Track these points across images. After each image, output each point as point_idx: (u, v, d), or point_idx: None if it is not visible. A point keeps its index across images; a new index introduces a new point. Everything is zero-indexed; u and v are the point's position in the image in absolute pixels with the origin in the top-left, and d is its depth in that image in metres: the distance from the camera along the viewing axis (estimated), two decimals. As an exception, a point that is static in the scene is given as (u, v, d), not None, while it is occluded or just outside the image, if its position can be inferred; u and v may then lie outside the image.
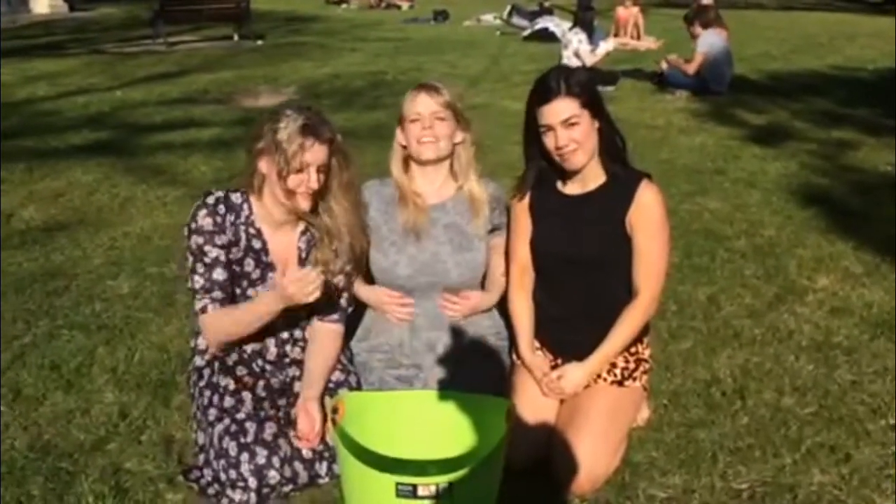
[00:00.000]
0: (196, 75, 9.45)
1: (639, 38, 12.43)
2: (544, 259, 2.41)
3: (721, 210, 4.64)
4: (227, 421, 2.20)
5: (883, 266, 3.81)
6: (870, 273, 3.75)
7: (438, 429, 2.14)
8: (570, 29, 9.02)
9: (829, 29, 14.30)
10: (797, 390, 2.77)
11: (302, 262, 2.36)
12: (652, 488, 2.26)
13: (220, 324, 2.27)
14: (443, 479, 1.81)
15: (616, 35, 12.16)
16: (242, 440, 2.16)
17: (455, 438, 2.13)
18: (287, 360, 2.45)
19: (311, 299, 2.08)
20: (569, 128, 2.22)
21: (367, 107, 7.73)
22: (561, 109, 2.22)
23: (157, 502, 2.19)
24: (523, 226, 2.43)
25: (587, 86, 2.26)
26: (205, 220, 2.26)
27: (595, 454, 2.20)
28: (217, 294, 2.26)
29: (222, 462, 2.14)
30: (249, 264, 2.32)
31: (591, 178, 2.34)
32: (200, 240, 2.25)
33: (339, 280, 2.38)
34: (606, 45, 8.93)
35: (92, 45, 12.24)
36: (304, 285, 2.05)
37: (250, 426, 2.19)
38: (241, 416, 2.22)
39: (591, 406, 2.29)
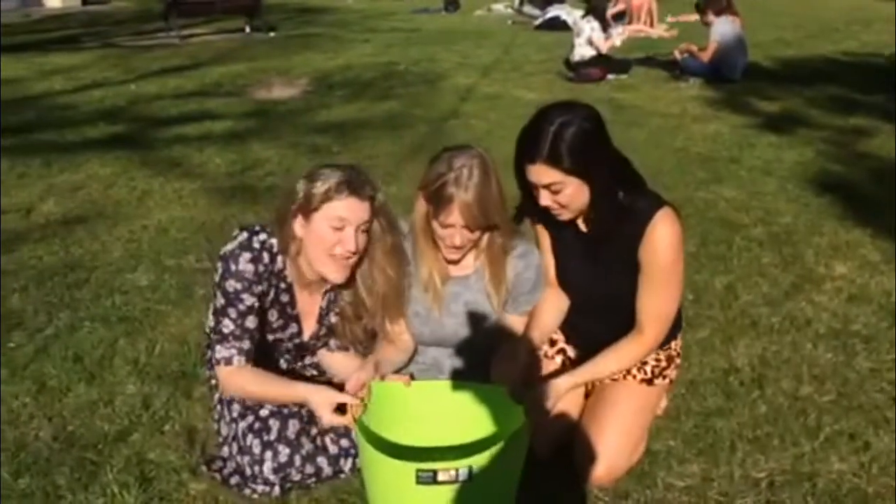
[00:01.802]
0: (209, 68, 9.48)
1: (652, 25, 12.35)
2: (570, 288, 2.32)
3: (737, 198, 4.62)
4: (250, 418, 2.21)
5: (901, 253, 3.79)
6: (888, 260, 3.73)
7: (457, 418, 2.15)
8: (583, 17, 8.97)
9: (844, 15, 14.15)
10: (815, 378, 2.77)
11: (321, 320, 2.31)
12: (670, 477, 2.27)
13: (242, 387, 2.18)
14: (462, 464, 1.81)
15: (630, 22, 12.09)
16: (265, 437, 2.17)
17: (474, 427, 2.14)
18: (299, 365, 2.45)
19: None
20: (553, 193, 2.03)
21: (380, 97, 7.73)
22: (542, 176, 2.00)
23: (181, 492, 2.22)
24: (546, 251, 2.34)
25: (578, 145, 1.96)
26: (247, 266, 2.10)
27: (618, 450, 2.20)
28: (246, 344, 2.15)
29: (246, 458, 2.16)
30: (273, 314, 2.24)
31: (599, 223, 2.14)
32: (238, 286, 2.10)
33: (358, 347, 2.37)
34: (621, 34, 8.90)
35: (106, 39, 12.28)
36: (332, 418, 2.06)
37: (273, 423, 2.20)
38: (264, 412, 2.22)
39: (618, 402, 2.27)
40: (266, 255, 2.14)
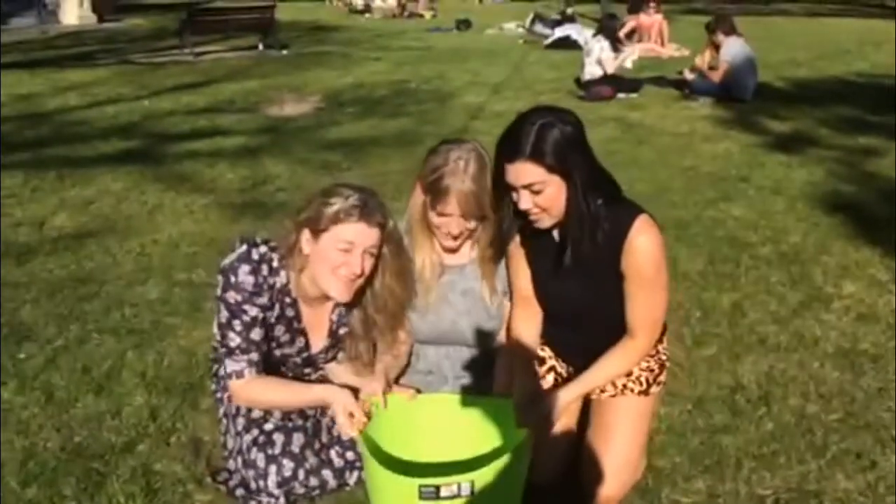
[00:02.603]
0: (222, 85, 9.58)
1: (663, 45, 12.40)
2: (541, 303, 2.30)
3: (746, 217, 4.62)
4: (255, 432, 2.22)
5: (910, 273, 3.78)
6: (897, 280, 3.72)
7: (462, 431, 2.15)
8: (593, 37, 9.02)
9: (855, 36, 14.16)
10: (822, 397, 2.76)
11: (332, 334, 2.32)
12: (675, 493, 2.27)
13: (256, 397, 2.18)
14: (465, 479, 1.82)
15: (640, 40, 12.15)
16: (270, 452, 2.17)
17: (477, 441, 2.15)
18: (304, 373, 2.44)
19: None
20: (533, 194, 1.96)
21: (391, 115, 7.79)
22: (524, 174, 1.94)
23: (187, 503, 2.23)
24: (520, 263, 2.27)
25: (561, 144, 1.93)
26: (246, 278, 2.09)
27: (626, 464, 2.18)
28: (254, 356, 2.14)
29: (251, 472, 2.17)
30: (280, 329, 2.24)
31: (575, 230, 2.05)
32: (239, 297, 2.09)
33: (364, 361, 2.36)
34: (632, 54, 8.95)
35: (120, 56, 12.43)
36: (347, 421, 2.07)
37: (278, 437, 2.20)
38: (269, 426, 2.22)
39: (619, 418, 2.24)
40: (265, 268, 2.13)
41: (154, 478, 2.33)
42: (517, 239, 2.21)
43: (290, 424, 2.24)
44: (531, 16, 15.71)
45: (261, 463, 2.16)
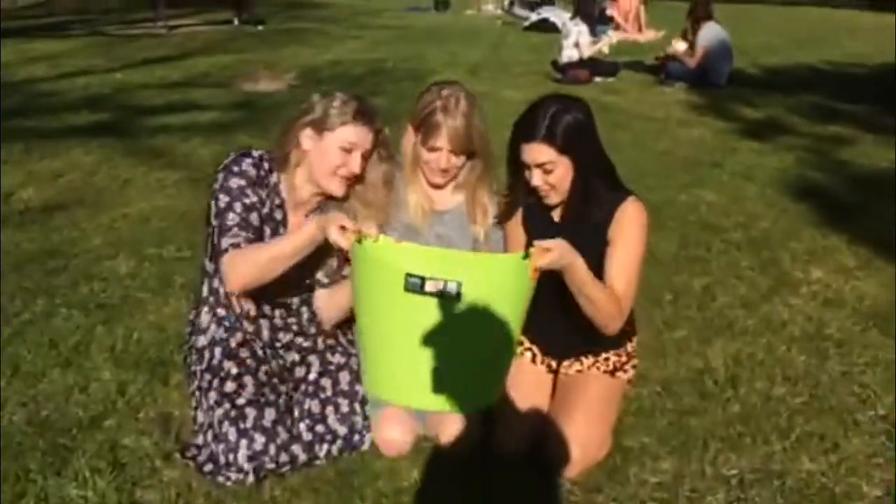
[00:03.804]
0: (196, 59, 9.45)
1: (640, 30, 12.41)
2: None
3: (718, 202, 4.67)
4: (227, 405, 2.21)
5: (876, 260, 3.84)
6: (862, 266, 3.78)
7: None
8: (571, 19, 9.01)
9: (830, 24, 14.30)
10: (788, 380, 2.80)
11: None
12: (643, 473, 2.29)
13: (249, 258, 2.13)
14: (452, 277, 1.78)
15: (617, 27, 12.15)
16: (241, 426, 2.17)
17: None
18: (279, 345, 2.45)
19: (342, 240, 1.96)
20: (545, 172, 2.18)
21: (368, 93, 7.67)
22: (538, 154, 2.16)
23: (154, 478, 2.21)
24: (517, 237, 2.38)
25: (572, 129, 2.15)
26: (249, 168, 2.23)
27: (589, 435, 2.23)
28: (251, 236, 2.18)
29: (221, 446, 2.16)
30: (266, 232, 2.28)
31: (574, 206, 2.27)
32: (242, 182, 2.21)
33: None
34: (609, 38, 8.95)
35: (93, 27, 12.20)
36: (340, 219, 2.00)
37: (250, 412, 2.20)
38: (241, 401, 2.22)
39: (586, 390, 2.33)
40: (266, 164, 2.27)
41: (121, 453, 2.30)
42: (519, 215, 2.38)
43: (262, 399, 2.24)
44: (510, -3, 15.68)
45: (232, 437, 2.16)
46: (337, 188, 2.25)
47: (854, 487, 2.26)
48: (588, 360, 2.41)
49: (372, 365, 2.02)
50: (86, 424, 2.44)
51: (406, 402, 2.02)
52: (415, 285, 1.78)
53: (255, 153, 2.29)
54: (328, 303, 2.45)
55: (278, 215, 2.31)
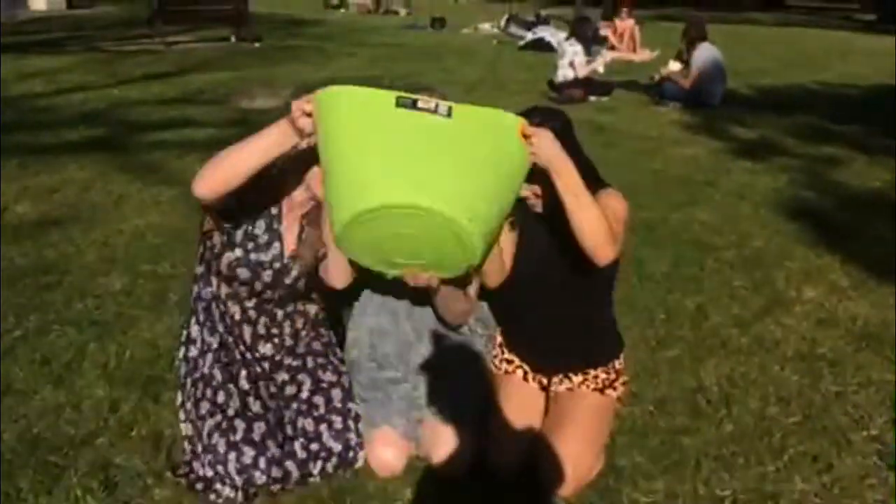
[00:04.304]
0: (193, 75, 9.46)
1: (635, 50, 12.51)
2: (518, 276, 2.38)
3: (711, 221, 4.68)
4: (218, 416, 2.22)
5: (869, 280, 3.86)
6: (856, 286, 3.79)
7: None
8: (566, 39, 9.07)
9: (823, 45, 14.42)
10: (782, 400, 2.80)
11: (300, 238, 2.36)
12: (636, 493, 2.29)
13: (218, 162, 2.03)
14: (444, 102, 1.76)
15: (612, 48, 12.25)
16: (231, 438, 2.18)
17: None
18: (258, 354, 2.43)
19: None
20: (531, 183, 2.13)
21: (363, 111, 7.74)
22: None
23: (145, 497, 2.20)
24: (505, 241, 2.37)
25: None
26: None
27: (580, 453, 2.23)
28: None
29: (209, 457, 2.16)
30: (261, 226, 2.30)
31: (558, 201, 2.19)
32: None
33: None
34: (604, 58, 9.02)
35: (89, 43, 12.23)
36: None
37: (239, 424, 2.21)
38: (231, 412, 2.23)
39: (576, 409, 2.34)
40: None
41: (113, 471, 2.30)
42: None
43: (249, 413, 2.26)
44: (506, 16, 15.76)
45: (221, 448, 2.16)
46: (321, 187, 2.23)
47: (847, 508, 2.27)
48: (578, 378, 2.42)
49: (346, 184, 1.81)
50: (77, 443, 2.43)
51: (387, 198, 1.74)
52: (406, 103, 1.75)
53: None
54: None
55: (274, 210, 2.32)
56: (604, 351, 2.45)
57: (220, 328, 2.40)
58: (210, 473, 2.16)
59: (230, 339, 2.40)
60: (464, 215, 1.77)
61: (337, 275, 2.30)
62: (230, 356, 2.38)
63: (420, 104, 1.75)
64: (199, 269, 2.43)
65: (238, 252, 2.29)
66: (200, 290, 2.43)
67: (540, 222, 2.33)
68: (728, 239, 4.39)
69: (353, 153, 1.80)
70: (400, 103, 1.75)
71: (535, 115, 2.13)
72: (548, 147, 1.94)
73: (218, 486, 2.15)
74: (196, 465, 2.20)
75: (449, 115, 1.76)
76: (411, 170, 1.75)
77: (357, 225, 1.80)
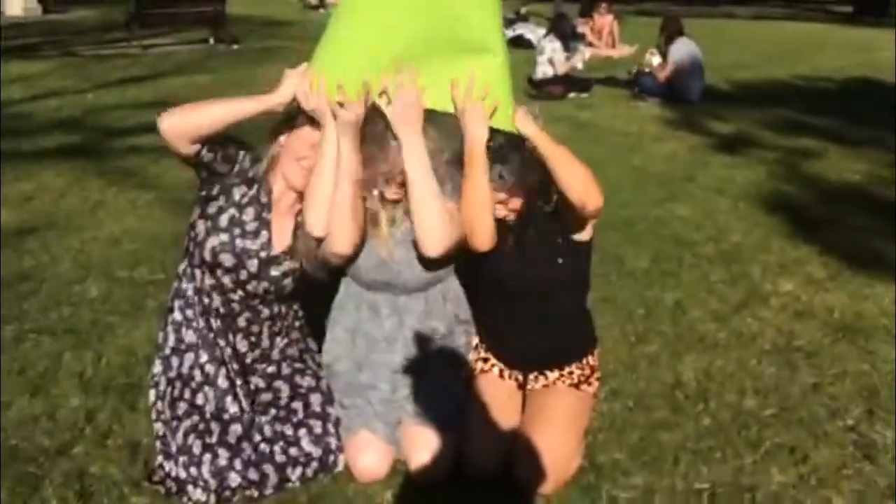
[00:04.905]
0: (170, 79, 9.40)
1: (614, 45, 12.53)
2: (493, 277, 2.40)
3: (690, 216, 4.71)
4: (195, 417, 2.22)
5: (845, 271, 3.89)
6: (832, 278, 3.83)
7: None
8: (545, 36, 9.09)
9: (800, 39, 14.51)
10: (759, 393, 2.82)
11: (294, 234, 2.36)
12: (615, 489, 2.30)
13: (189, 110, 2.22)
14: None
15: (591, 44, 12.26)
16: (206, 440, 2.18)
17: None
18: (237, 350, 2.41)
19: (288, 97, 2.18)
20: (503, 204, 2.28)
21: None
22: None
23: (122, 506, 2.19)
24: None
25: (517, 168, 2.24)
26: (246, 161, 2.33)
27: (558, 449, 2.25)
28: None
29: (183, 458, 2.16)
30: (249, 214, 2.30)
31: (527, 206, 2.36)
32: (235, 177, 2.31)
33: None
34: (582, 55, 9.03)
35: (65, 48, 12.11)
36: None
37: (215, 426, 2.20)
38: (207, 414, 2.23)
39: (553, 405, 2.36)
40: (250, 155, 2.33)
41: (89, 481, 2.28)
42: None
43: (225, 416, 2.25)
44: (485, 14, 15.74)
45: (196, 450, 2.16)
46: (295, 177, 2.28)
47: (824, 499, 2.29)
48: (553, 374, 2.44)
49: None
50: (53, 453, 2.41)
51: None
52: None
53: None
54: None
55: (263, 199, 2.33)
56: (577, 347, 2.47)
57: (202, 323, 2.36)
58: (183, 475, 2.15)
59: (210, 336, 2.36)
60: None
61: (342, 240, 2.24)
62: (210, 354, 2.35)
63: None
64: (182, 265, 2.40)
65: (224, 237, 2.27)
66: (182, 286, 2.40)
67: (515, 221, 2.34)
68: (706, 234, 4.41)
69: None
70: None
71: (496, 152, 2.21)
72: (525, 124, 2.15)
73: (189, 488, 2.14)
74: (168, 465, 2.20)
75: None
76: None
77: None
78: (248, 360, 2.42)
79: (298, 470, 2.25)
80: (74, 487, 2.25)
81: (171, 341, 2.39)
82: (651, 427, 2.60)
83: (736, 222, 4.62)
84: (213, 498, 2.13)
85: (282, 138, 2.31)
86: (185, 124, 2.16)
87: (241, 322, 2.40)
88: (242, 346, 2.41)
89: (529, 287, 2.35)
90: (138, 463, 2.35)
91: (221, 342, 2.38)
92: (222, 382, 2.33)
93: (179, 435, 2.19)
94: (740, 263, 4.00)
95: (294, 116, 2.26)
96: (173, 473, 2.17)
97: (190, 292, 2.38)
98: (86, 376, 2.84)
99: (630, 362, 3.00)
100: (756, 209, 4.87)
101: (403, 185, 2.24)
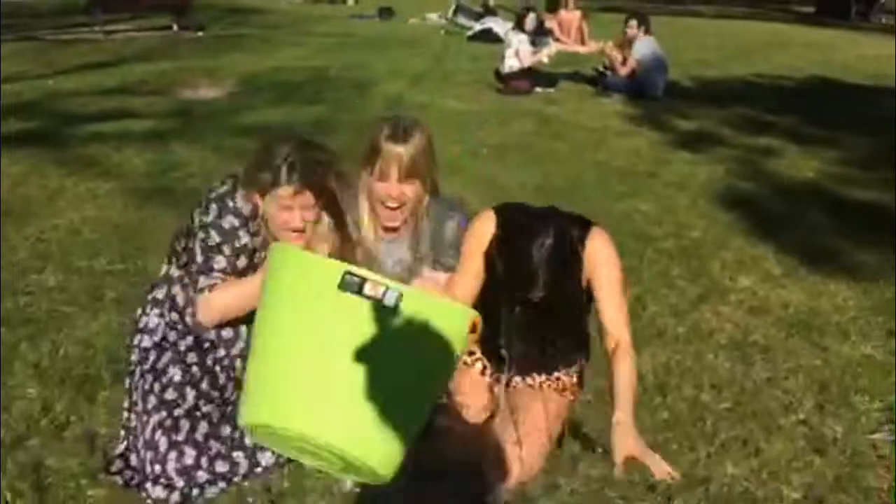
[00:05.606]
0: (133, 65, 9.26)
1: (583, 42, 12.59)
2: (495, 297, 2.37)
3: (651, 212, 4.77)
4: (164, 413, 2.19)
5: (801, 268, 3.98)
6: (788, 274, 3.91)
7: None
8: (512, 29, 9.12)
9: (762, 38, 14.74)
10: (714, 387, 2.88)
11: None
12: (573, 483, 2.33)
13: (226, 296, 2.20)
14: (395, 286, 1.67)
15: (558, 39, 12.31)
16: (174, 437, 2.15)
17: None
18: (230, 352, 2.40)
19: None
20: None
21: (307, 101, 7.68)
22: None
23: (79, 499, 2.17)
24: (480, 249, 2.36)
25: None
26: (244, 205, 2.22)
27: (531, 447, 2.26)
28: (231, 279, 2.22)
29: (150, 454, 2.14)
30: (264, 255, 2.27)
31: None
32: (237, 223, 2.21)
33: None
34: (549, 49, 9.07)
35: (25, 32, 11.85)
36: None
37: (184, 424, 2.18)
38: (178, 411, 2.20)
39: (533, 406, 2.35)
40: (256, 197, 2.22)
41: (45, 473, 2.25)
42: (491, 231, 2.32)
43: (197, 413, 2.23)
44: (453, 6, 15.73)
45: (162, 447, 2.14)
46: (290, 241, 2.20)
47: (775, 491, 2.35)
48: (540, 378, 2.45)
49: (264, 383, 1.75)
50: (8, 444, 2.37)
51: (290, 425, 1.68)
52: (352, 284, 1.65)
53: (242, 190, 2.23)
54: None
55: (259, 241, 2.29)
56: (571, 358, 2.49)
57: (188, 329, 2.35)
58: (148, 469, 2.13)
59: (204, 342, 2.35)
60: (372, 456, 1.69)
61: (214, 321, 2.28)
62: (200, 357, 2.33)
63: (367, 289, 1.65)
64: (176, 273, 2.38)
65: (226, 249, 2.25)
66: (171, 291, 2.37)
67: (527, 238, 2.31)
68: (667, 229, 4.48)
69: (277, 340, 1.74)
70: (345, 284, 1.65)
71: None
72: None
73: (149, 485, 2.12)
74: (132, 457, 2.18)
75: (396, 304, 1.66)
76: (320, 395, 1.65)
77: (259, 428, 1.76)
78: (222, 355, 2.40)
79: (267, 454, 2.24)
80: (30, 479, 2.22)
81: (150, 334, 2.35)
82: (609, 420, 2.62)
83: (695, 218, 4.70)
84: (175, 496, 2.12)
85: (257, 198, 2.21)
86: (226, 318, 2.25)
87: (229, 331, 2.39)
88: (220, 351, 2.40)
89: (534, 306, 2.33)
90: (96, 455, 2.32)
91: (210, 346, 2.36)
92: (204, 387, 2.30)
93: (148, 430, 2.17)
94: (700, 259, 4.07)
95: (257, 182, 2.17)
96: (136, 466, 2.16)
97: (178, 299, 2.37)
98: (42, 367, 2.80)
99: (591, 357, 3.03)
100: (716, 206, 4.95)
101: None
